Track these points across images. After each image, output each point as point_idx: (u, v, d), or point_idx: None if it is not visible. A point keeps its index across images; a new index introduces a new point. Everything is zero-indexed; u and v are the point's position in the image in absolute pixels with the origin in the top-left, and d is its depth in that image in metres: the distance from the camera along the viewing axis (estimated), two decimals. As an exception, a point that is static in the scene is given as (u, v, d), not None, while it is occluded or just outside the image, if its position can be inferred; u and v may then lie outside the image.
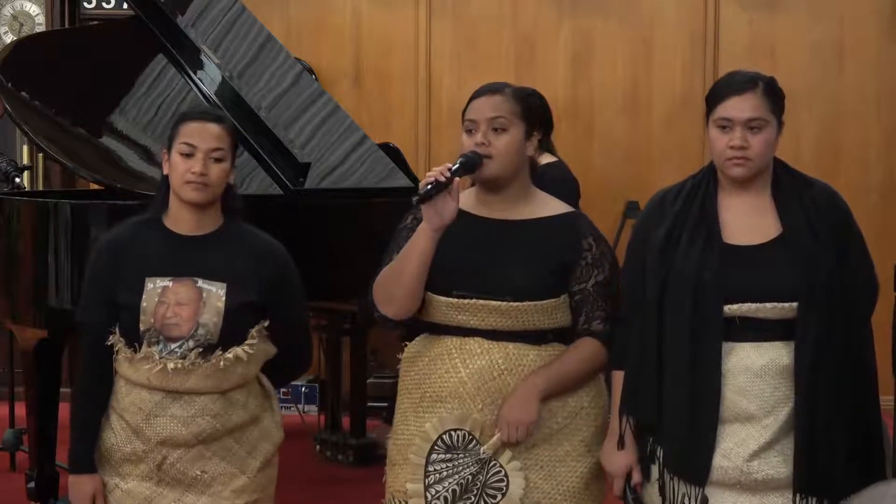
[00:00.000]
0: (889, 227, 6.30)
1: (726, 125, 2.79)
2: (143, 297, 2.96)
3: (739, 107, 2.78)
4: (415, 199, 2.79)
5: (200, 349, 2.96)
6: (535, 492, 2.89)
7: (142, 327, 2.96)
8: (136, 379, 2.98)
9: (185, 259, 3.00)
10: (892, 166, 6.67)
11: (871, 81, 6.65)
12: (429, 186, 2.78)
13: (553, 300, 2.92)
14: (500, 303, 2.88)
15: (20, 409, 5.14)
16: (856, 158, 6.66)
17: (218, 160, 3.01)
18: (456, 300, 2.90)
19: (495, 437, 2.87)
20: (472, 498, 2.88)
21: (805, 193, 2.84)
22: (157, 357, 2.95)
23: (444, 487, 2.89)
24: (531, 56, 6.82)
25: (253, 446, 3.09)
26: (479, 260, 2.91)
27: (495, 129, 2.90)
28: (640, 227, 2.97)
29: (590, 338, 2.95)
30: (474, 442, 2.88)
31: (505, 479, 2.88)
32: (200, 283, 2.99)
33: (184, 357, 2.95)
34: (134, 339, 2.98)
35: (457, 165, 2.83)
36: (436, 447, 2.90)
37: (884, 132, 6.66)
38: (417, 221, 2.97)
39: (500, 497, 2.88)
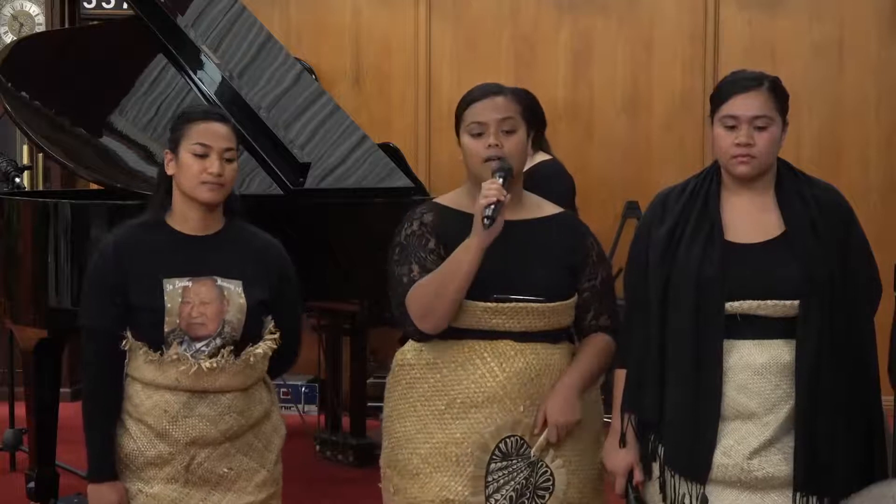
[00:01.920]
0: (889, 227, 6.30)
1: (732, 123, 2.80)
2: (166, 298, 2.95)
3: (745, 105, 2.79)
4: (486, 223, 2.77)
5: (231, 347, 2.97)
6: (568, 488, 2.93)
7: (166, 329, 2.94)
8: (160, 381, 2.97)
9: (199, 259, 3.00)
10: (892, 166, 6.66)
11: (871, 81, 6.65)
12: (494, 207, 2.78)
13: (573, 299, 2.97)
14: (536, 304, 2.90)
15: (20, 409, 5.14)
16: (856, 158, 6.66)
17: (229, 160, 3.02)
18: (494, 304, 2.89)
19: (541, 438, 2.89)
20: (526, 501, 2.91)
21: (808, 193, 2.84)
22: (189, 357, 2.94)
23: (502, 496, 2.90)
24: (531, 56, 6.81)
25: (268, 440, 3.11)
26: (508, 262, 2.91)
27: (505, 131, 2.91)
28: (643, 226, 2.97)
29: (602, 333, 3.00)
30: (524, 446, 2.90)
31: (551, 478, 2.92)
32: (220, 281, 2.99)
33: (215, 355, 2.95)
34: (155, 341, 2.96)
35: (500, 179, 2.83)
36: (493, 456, 2.90)
37: (884, 132, 6.66)
38: (426, 227, 2.96)
39: (548, 496, 2.92)
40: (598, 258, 3.02)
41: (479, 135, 2.91)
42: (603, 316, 3.00)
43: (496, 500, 2.90)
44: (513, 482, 2.90)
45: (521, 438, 2.90)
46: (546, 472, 2.91)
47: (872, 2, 6.64)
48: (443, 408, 2.93)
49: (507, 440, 2.90)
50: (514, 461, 2.90)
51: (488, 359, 2.91)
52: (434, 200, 3.07)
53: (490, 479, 2.90)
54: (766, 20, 6.67)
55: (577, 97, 6.80)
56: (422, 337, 2.95)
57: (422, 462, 2.94)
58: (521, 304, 2.89)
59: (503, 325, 2.90)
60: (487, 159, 2.90)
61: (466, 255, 2.83)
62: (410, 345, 3.02)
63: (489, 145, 2.89)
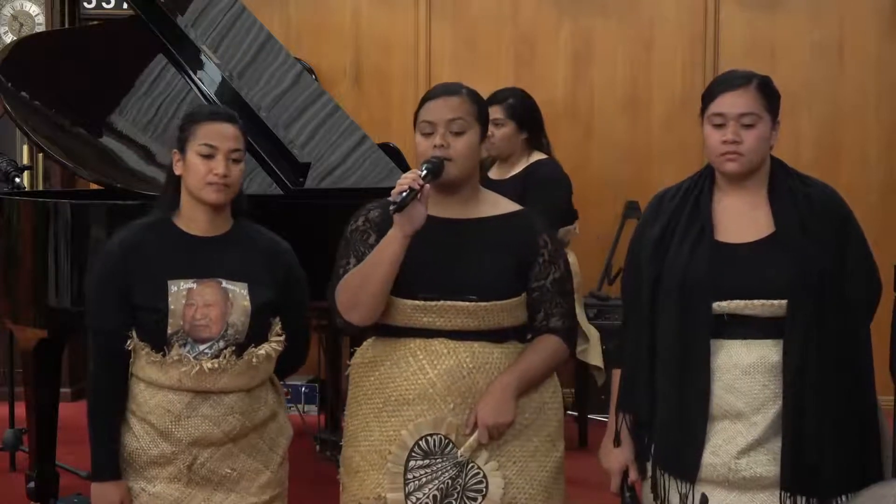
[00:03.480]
0: (889, 227, 6.30)
1: (720, 121, 2.81)
2: (170, 299, 2.95)
3: (732, 102, 2.80)
4: (392, 208, 2.78)
5: (233, 348, 2.97)
6: (510, 488, 2.89)
7: (170, 330, 2.95)
8: (163, 382, 2.97)
9: (205, 260, 3.00)
10: (892, 166, 6.66)
11: (871, 81, 6.65)
12: (404, 194, 2.77)
13: (516, 299, 2.94)
14: (466, 303, 2.88)
15: (20, 409, 5.14)
16: (856, 158, 6.66)
17: (236, 161, 3.02)
18: (423, 302, 2.89)
19: (472, 439, 2.87)
20: (453, 502, 2.87)
21: (801, 192, 2.84)
22: (191, 358, 2.94)
23: (424, 494, 2.88)
24: (531, 56, 6.82)
25: (273, 441, 3.12)
26: (442, 260, 2.90)
27: (453, 132, 2.90)
28: (639, 227, 2.98)
29: (550, 334, 2.97)
30: (450, 445, 2.88)
31: (484, 480, 2.88)
32: (225, 283, 2.99)
33: (217, 356, 2.95)
34: (158, 342, 2.96)
35: (424, 172, 2.83)
36: (413, 454, 2.89)
37: (884, 132, 6.66)
38: (370, 223, 2.98)
39: (480, 499, 2.88)
40: (551, 258, 2.96)
41: (429, 134, 2.91)
42: (554, 317, 2.96)
43: (417, 498, 2.88)
44: (436, 481, 2.88)
45: (447, 437, 2.87)
46: (478, 474, 2.88)
47: (872, 2, 6.64)
48: (381, 405, 2.94)
49: (430, 438, 2.88)
50: (437, 460, 2.88)
51: (420, 356, 2.90)
52: (388, 198, 3.06)
53: (410, 476, 2.88)
54: (766, 20, 6.67)
55: (577, 97, 6.81)
56: (349, 329, 2.95)
57: (361, 460, 2.96)
58: (449, 303, 2.88)
59: (435, 324, 2.89)
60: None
61: (388, 247, 2.84)
62: (363, 344, 3.03)
63: (435, 145, 2.89)
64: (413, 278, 2.87)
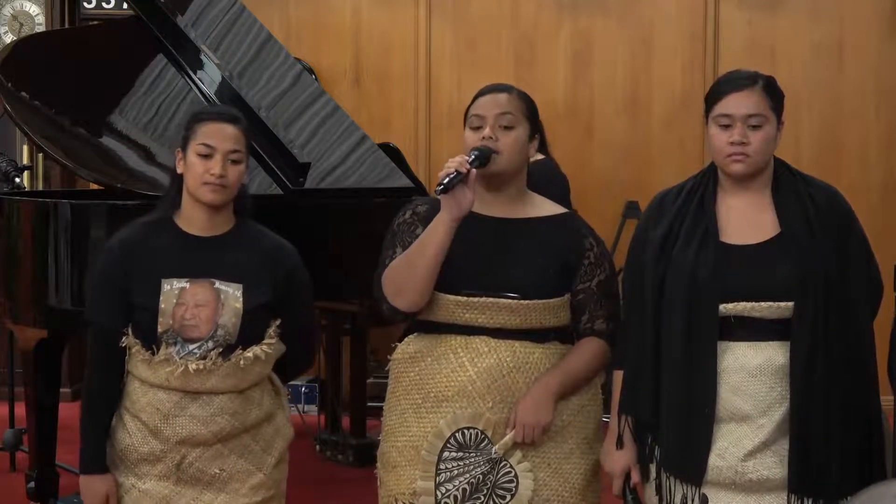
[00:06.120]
0: (889, 227, 6.30)
1: (726, 122, 2.79)
2: (161, 298, 2.95)
3: (739, 103, 2.78)
4: (438, 189, 2.79)
5: (220, 349, 2.97)
6: (543, 489, 2.90)
7: (160, 329, 2.95)
8: (153, 380, 2.98)
9: (201, 260, 3.00)
10: (892, 166, 6.67)
11: (871, 81, 6.65)
12: (451, 176, 2.79)
13: (559, 298, 2.94)
14: (508, 301, 2.89)
15: (20, 409, 5.14)
16: (856, 158, 6.66)
17: (235, 161, 3.01)
18: (465, 298, 2.90)
19: (507, 437, 2.87)
20: (482, 497, 2.88)
21: (805, 192, 2.83)
22: (177, 359, 2.95)
23: (454, 486, 2.89)
24: (531, 56, 6.82)
25: (268, 443, 3.11)
26: (486, 257, 2.92)
27: (502, 126, 2.92)
28: (640, 227, 2.97)
29: (594, 337, 2.98)
30: (486, 441, 2.89)
31: (514, 479, 2.89)
32: (217, 284, 2.99)
33: (204, 358, 2.95)
34: (150, 341, 2.97)
35: (472, 157, 2.85)
36: (448, 445, 2.89)
37: (884, 132, 6.66)
38: (417, 216, 2.99)
39: (509, 498, 2.88)
40: (597, 260, 2.98)
41: (478, 128, 2.93)
42: (598, 319, 2.98)
43: (447, 490, 2.88)
44: (467, 475, 2.88)
45: (483, 433, 2.88)
46: (510, 472, 2.89)
47: (872, 2, 6.64)
48: (419, 401, 2.95)
49: (466, 431, 2.89)
50: (471, 454, 2.89)
51: (461, 354, 2.91)
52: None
53: (442, 466, 2.89)
54: (766, 20, 6.68)
55: (577, 97, 6.81)
56: (396, 315, 2.96)
57: (398, 455, 2.97)
58: (492, 300, 2.89)
59: (477, 321, 2.90)
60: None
61: (436, 230, 2.85)
62: (405, 339, 3.04)
63: (484, 137, 2.91)
64: (456, 274, 2.89)
